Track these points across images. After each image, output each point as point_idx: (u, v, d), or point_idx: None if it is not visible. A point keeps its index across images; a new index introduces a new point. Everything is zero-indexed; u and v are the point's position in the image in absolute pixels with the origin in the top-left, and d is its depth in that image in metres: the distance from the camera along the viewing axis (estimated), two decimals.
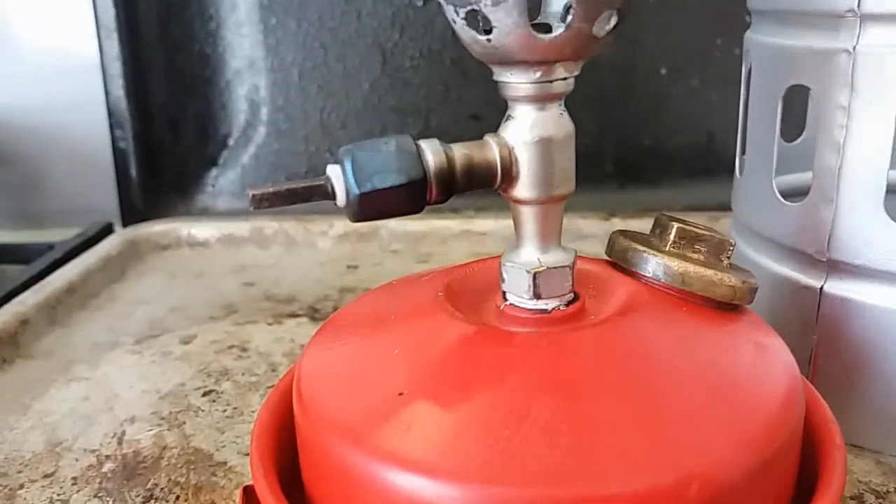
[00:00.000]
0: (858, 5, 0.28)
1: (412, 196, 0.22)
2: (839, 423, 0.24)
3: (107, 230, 0.61)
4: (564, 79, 0.22)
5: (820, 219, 0.30)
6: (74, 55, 0.64)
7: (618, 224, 0.57)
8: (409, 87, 0.64)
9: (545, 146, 0.23)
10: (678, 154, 0.65)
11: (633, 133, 0.65)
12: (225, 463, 0.32)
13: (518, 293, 0.25)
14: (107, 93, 0.63)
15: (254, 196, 0.21)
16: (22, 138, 0.67)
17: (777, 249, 0.33)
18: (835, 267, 0.30)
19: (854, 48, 0.28)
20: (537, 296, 0.24)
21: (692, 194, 0.62)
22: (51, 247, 0.56)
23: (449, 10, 0.22)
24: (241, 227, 0.59)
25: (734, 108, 0.36)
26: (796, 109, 0.38)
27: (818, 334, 0.31)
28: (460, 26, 0.22)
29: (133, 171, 0.65)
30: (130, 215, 0.65)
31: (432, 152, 0.22)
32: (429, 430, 0.20)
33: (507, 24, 0.21)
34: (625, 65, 0.63)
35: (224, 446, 0.33)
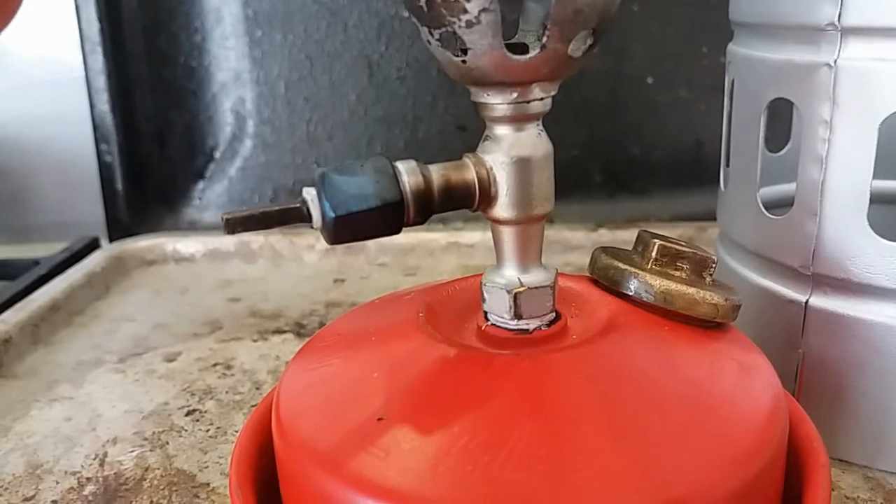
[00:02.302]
0: (839, 19, 0.28)
1: (389, 218, 0.22)
2: (826, 438, 0.24)
3: (93, 245, 0.61)
4: (541, 99, 0.22)
5: (804, 232, 0.30)
6: (59, 68, 0.64)
7: (605, 235, 0.57)
8: (396, 98, 0.64)
9: (523, 166, 0.23)
10: (666, 163, 0.65)
11: (620, 143, 0.64)
12: (208, 484, 0.32)
13: (499, 313, 0.24)
14: (92, 106, 0.63)
15: (227, 220, 0.21)
16: (7, 152, 0.67)
17: (762, 263, 0.33)
18: (820, 281, 0.30)
19: (835, 62, 0.28)
20: (518, 316, 0.24)
21: (681, 203, 0.62)
22: (36, 262, 0.56)
23: (424, 32, 0.22)
24: (227, 242, 0.59)
25: (722, 117, 0.36)
26: (783, 118, 0.38)
27: (804, 348, 0.31)
28: (435, 47, 0.22)
29: (119, 185, 0.65)
30: (117, 229, 0.65)
31: (409, 174, 0.22)
32: (407, 457, 0.20)
33: (481, 46, 0.20)
34: (611, 74, 0.63)
35: (207, 467, 0.33)
